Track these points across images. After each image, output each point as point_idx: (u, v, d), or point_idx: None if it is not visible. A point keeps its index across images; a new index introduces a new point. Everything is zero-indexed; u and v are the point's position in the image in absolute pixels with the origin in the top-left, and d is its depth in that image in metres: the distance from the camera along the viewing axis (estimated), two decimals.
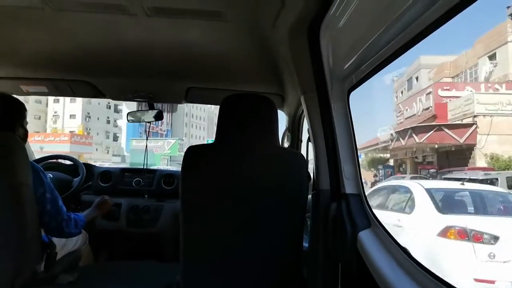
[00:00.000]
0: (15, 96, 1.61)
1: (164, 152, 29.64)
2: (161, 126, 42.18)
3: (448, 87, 17.11)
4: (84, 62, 1.74)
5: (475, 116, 13.86)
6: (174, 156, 30.06)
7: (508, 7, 14.30)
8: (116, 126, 48.53)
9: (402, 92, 23.42)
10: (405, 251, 0.93)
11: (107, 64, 1.76)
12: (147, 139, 2.39)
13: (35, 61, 1.76)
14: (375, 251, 0.98)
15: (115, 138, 48.65)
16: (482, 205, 4.79)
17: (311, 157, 1.46)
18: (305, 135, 2.04)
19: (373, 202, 5.34)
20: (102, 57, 1.66)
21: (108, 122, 48.68)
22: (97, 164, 3.43)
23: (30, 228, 1.41)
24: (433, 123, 15.15)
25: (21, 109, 1.54)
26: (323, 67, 1.14)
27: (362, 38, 0.94)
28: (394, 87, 24.79)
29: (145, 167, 2.48)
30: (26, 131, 1.59)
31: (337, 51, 1.11)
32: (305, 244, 1.38)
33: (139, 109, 2.09)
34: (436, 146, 15.44)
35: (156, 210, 2.32)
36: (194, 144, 1.39)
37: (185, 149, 1.29)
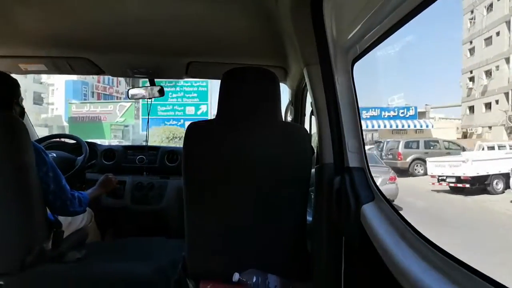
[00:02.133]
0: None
1: (115, 120, 20.03)
2: (118, 86, 27.90)
3: None
4: (83, 38, 1.70)
5: None
6: (129, 125, 20.14)
7: None
8: (41, 83, 26.72)
9: None
10: (408, 224, 0.92)
11: (106, 40, 1.72)
12: (148, 114, 2.37)
13: (33, 39, 1.72)
14: (379, 224, 0.98)
15: (38, 100, 26.09)
16: None
17: (314, 130, 1.44)
18: (308, 109, 2.01)
19: None
20: (101, 33, 1.63)
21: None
22: None
23: (36, 207, 1.43)
24: None
25: (16, 86, 1.52)
26: (327, 38, 1.10)
27: (366, 7, 0.90)
28: None
29: (146, 143, 2.49)
30: (23, 109, 1.58)
31: (340, 21, 1.07)
32: (309, 218, 1.38)
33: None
34: None
35: (161, 187, 2.34)
36: None
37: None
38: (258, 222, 1.27)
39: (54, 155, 2.02)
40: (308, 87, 1.33)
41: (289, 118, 2.22)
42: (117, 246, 1.87)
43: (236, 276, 1.17)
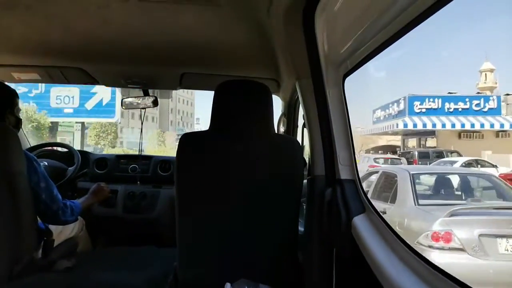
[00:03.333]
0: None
1: None
2: None
3: None
4: (76, 48, 1.71)
5: None
6: None
7: None
8: None
9: None
10: (398, 236, 0.93)
11: (100, 50, 1.72)
12: (142, 124, 2.37)
13: (27, 48, 1.72)
14: (369, 236, 0.99)
15: None
16: None
17: (306, 142, 1.46)
18: (300, 121, 2.03)
19: None
20: (94, 43, 1.63)
21: None
22: None
23: (26, 216, 1.42)
24: None
25: (10, 96, 1.51)
26: (318, 52, 1.12)
27: (358, 22, 0.92)
28: None
29: (140, 153, 2.48)
30: (19, 119, 1.57)
31: (332, 36, 1.10)
32: (301, 229, 1.39)
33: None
34: None
35: (153, 196, 2.33)
36: None
37: None
38: (250, 232, 1.28)
39: (46, 163, 2.01)
40: (300, 100, 1.35)
41: (282, 130, 2.24)
42: (108, 255, 1.85)
43: (227, 287, 1.17)
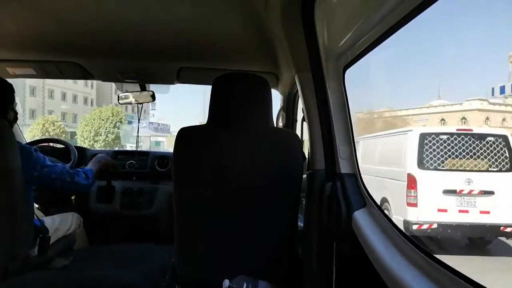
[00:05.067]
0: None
1: None
2: None
3: None
4: (71, 42, 1.68)
5: None
6: None
7: None
8: None
9: None
10: (400, 230, 0.92)
11: (95, 44, 1.70)
12: (139, 121, 2.35)
13: (21, 42, 1.70)
14: (370, 230, 0.98)
15: None
16: None
17: (306, 136, 1.44)
18: (300, 115, 2.01)
19: None
20: (89, 37, 1.61)
21: None
22: None
23: (22, 212, 1.40)
24: None
25: (11, 92, 1.51)
26: (318, 45, 1.10)
27: (358, 13, 0.91)
28: None
29: (137, 148, 2.46)
30: (16, 113, 1.57)
31: (332, 28, 1.08)
32: (300, 224, 1.38)
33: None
34: None
35: (151, 192, 2.32)
36: None
37: None
38: (248, 227, 1.26)
39: None
40: (300, 93, 1.34)
41: (281, 124, 2.23)
42: (105, 252, 1.84)
43: (226, 283, 1.16)
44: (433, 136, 5.19)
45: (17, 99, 1.60)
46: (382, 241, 0.93)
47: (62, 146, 2.37)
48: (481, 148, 5.06)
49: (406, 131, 5.78)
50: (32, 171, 1.45)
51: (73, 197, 2.21)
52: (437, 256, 0.78)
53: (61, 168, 1.58)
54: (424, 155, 5.14)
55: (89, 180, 1.67)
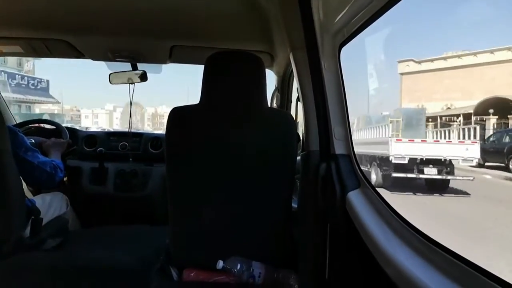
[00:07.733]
0: None
1: None
2: None
3: None
4: (60, 19, 1.62)
5: None
6: None
7: None
8: None
9: None
10: (394, 211, 0.92)
11: (84, 21, 1.64)
12: (131, 100, 2.30)
13: (8, 19, 1.63)
14: (364, 211, 0.98)
15: None
16: None
17: (300, 117, 1.42)
18: (294, 95, 1.98)
19: None
20: (79, 13, 1.55)
21: None
22: None
23: (13, 193, 1.38)
24: None
25: None
26: (313, 21, 1.07)
27: None
28: None
29: (129, 130, 2.43)
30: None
31: (327, 3, 1.04)
32: (294, 205, 1.38)
33: None
34: None
35: (145, 174, 2.30)
36: None
37: None
38: (243, 209, 1.26)
39: (33, 141, 1.95)
40: (294, 72, 1.31)
41: (275, 105, 2.20)
42: (99, 233, 1.84)
43: (220, 264, 1.16)
44: None
45: None
46: (375, 222, 0.93)
47: (52, 127, 2.32)
48: None
49: None
50: (18, 151, 1.44)
51: (65, 178, 2.18)
52: None
53: (44, 158, 1.58)
54: None
55: (63, 173, 1.66)
